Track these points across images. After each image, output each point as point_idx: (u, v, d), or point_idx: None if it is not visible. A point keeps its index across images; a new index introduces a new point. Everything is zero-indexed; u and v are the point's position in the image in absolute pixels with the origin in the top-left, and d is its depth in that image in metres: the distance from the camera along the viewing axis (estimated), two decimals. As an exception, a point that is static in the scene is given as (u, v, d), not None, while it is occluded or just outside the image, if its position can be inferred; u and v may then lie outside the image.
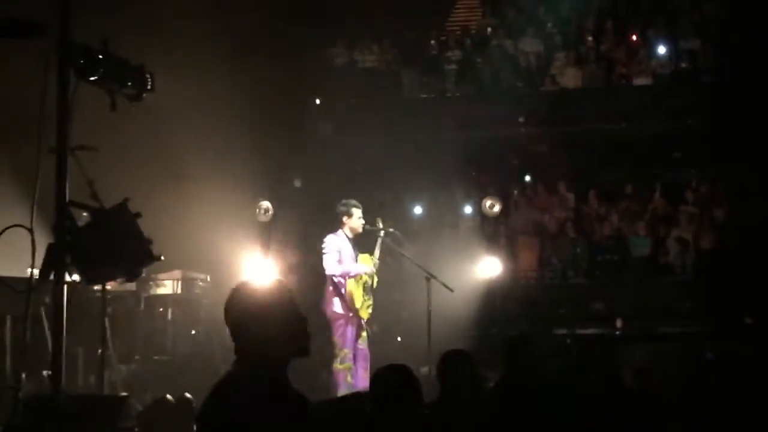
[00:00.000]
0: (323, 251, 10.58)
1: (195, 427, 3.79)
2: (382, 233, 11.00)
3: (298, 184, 14.83)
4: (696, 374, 10.68)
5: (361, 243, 10.95)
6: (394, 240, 11.11)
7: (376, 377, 5.35)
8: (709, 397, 8.19)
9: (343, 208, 10.76)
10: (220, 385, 3.80)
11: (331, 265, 10.47)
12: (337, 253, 10.56)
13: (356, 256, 10.70)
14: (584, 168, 18.94)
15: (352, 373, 10.48)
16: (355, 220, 10.70)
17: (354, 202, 10.79)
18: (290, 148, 16.95)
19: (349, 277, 10.53)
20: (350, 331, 10.48)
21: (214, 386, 3.83)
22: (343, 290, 10.51)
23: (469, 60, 20.14)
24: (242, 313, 3.82)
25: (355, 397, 5.91)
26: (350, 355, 10.47)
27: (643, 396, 8.36)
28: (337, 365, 10.35)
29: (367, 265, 10.73)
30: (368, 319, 10.79)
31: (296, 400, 3.84)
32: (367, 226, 10.85)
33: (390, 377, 5.29)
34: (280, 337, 3.81)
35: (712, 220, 17.60)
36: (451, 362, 6.39)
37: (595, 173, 19.14)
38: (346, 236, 10.70)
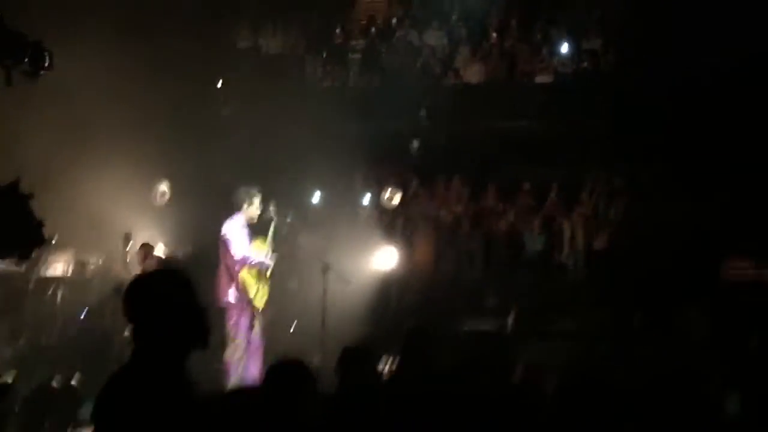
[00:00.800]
0: (226, 238, 10.47)
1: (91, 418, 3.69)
2: (275, 220, 10.94)
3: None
4: (584, 371, 10.73)
5: (254, 229, 10.87)
6: (291, 229, 11.04)
7: (270, 371, 5.26)
8: (594, 393, 8.24)
9: (243, 196, 10.66)
10: (116, 377, 3.72)
11: (241, 249, 10.38)
12: (239, 238, 10.49)
13: (250, 243, 10.63)
14: (483, 163, 18.99)
15: (243, 364, 10.39)
16: (254, 208, 10.63)
17: (254, 190, 10.70)
18: (190, 131, 16.70)
19: (249, 265, 10.44)
20: (243, 320, 10.40)
21: (110, 378, 3.74)
22: (236, 279, 10.41)
23: (373, 50, 20.11)
24: (141, 306, 3.74)
25: (248, 390, 5.83)
26: (243, 345, 10.39)
27: (529, 392, 8.43)
28: (229, 355, 10.24)
29: (261, 251, 10.65)
30: (263, 309, 10.70)
31: (192, 394, 3.78)
32: (263, 214, 10.78)
33: (284, 372, 5.22)
34: (180, 330, 3.74)
35: (606, 219, 17.80)
36: (352, 359, 6.38)
37: (493, 169, 19.20)
38: (243, 222, 10.61)
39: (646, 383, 8.88)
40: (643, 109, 17.10)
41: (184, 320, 3.75)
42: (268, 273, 10.78)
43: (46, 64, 6.90)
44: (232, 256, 10.47)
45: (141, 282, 3.82)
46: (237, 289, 10.41)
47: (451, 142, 18.93)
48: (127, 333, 11.72)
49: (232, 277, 10.38)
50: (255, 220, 10.72)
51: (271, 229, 10.91)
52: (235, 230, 10.49)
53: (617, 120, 17.60)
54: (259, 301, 10.59)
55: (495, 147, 18.74)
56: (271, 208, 11.01)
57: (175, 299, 3.76)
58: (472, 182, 19.00)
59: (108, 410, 3.64)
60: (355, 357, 6.44)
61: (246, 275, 10.44)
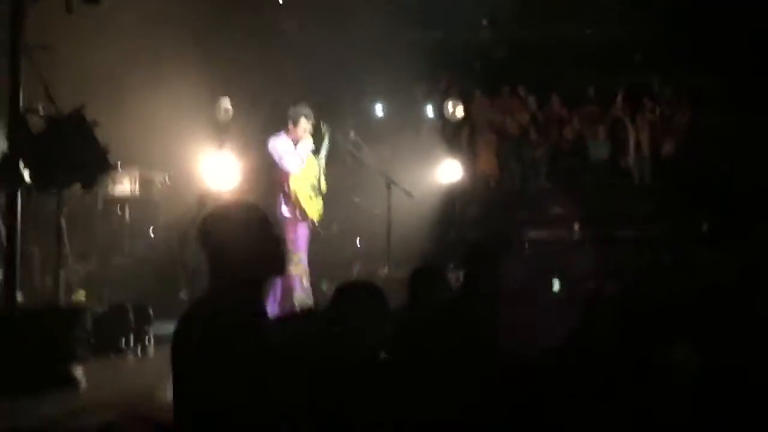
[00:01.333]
0: (273, 155, 10.55)
1: (171, 347, 3.76)
2: (327, 136, 10.95)
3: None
4: (650, 277, 10.71)
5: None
6: (355, 146, 11.04)
7: (340, 292, 5.28)
8: (664, 300, 8.22)
9: (290, 114, 10.73)
10: (195, 307, 3.79)
11: (291, 163, 10.47)
12: (278, 154, 10.57)
13: (303, 158, 10.68)
14: (546, 71, 18.81)
15: (307, 277, 10.47)
16: (300, 128, 10.66)
17: (301, 109, 10.72)
18: (252, 46, 16.66)
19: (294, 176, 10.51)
20: (302, 233, 10.44)
21: (189, 307, 3.82)
22: (287, 190, 10.48)
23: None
24: (217, 238, 3.79)
25: (318, 313, 5.88)
26: (305, 259, 10.45)
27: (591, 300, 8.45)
28: (292, 269, 10.30)
29: (311, 166, 10.72)
30: (320, 222, 10.76)
31: (269, 322, 3.85)
32: (317, 132, 10.83)
33: (355, 293, 5.25)
34: (256, 260, 3.80)
35: (673, 126, 17.62)
36: (423, 279, 6.41)
37: (557, 77, 19.01)
38: (291, 139, 10.66)
39: (705, 294, 8.85)
40: (712, 15, 16.75)
41: (261, 250, 3.80)
42: (322, 186, 10.81)
43: (106, -11, 6.89)
44: (279, 170, 10.55)
45: (217, 214, 3.86)
46: (289, 201, 10.46)
47: (514, 51, 18.73)
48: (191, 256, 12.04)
49: (284, 191, 10.44)
50: (303, 138, 10.72)
51: (324, 144, 10.90)
52: (278, 146, 10.57)
53: (683, 26, 17.29)
54: (314, 212, 10.64)
55: (558, 55, 18.53)
56: (323, 127, 10.99)
57: (251, 230, 3.80)
58: (536, 91, 18.85)
59: (188, 338, 3.70)
60: (427, 277, 6.46)
61: (297, 187, 10.49)
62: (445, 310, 6.28)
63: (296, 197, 10.40)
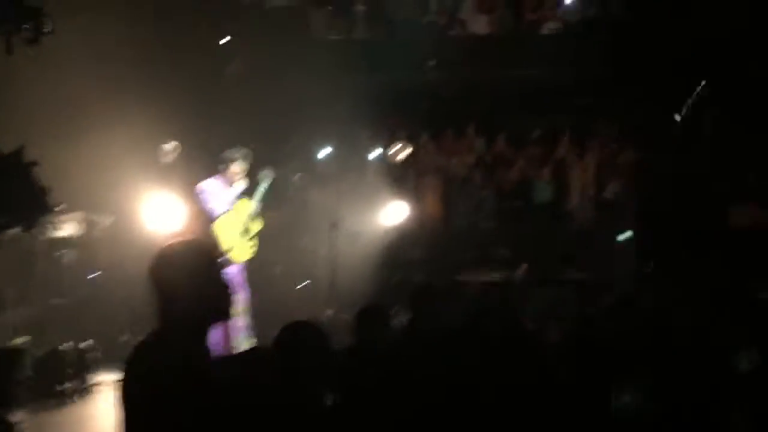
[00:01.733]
0: (201, 198, 10.58)
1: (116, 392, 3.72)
2: (264, 181, 10.97)
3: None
4: (593, 319, 10.80)
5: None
6: (299, 186, 11.04)
7: (284, 332, 5.29)
8: (605, 341, 8.29)
9: (224, 157, 10.79)
10: (140, 349, 3.75)
11: (215, 207, 10.48)
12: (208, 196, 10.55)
13: (233, 200, 10.70)
14: (493, 113, 18.95)
15: (248, 315, 10.44)
16: (231, 171, 10.74)
17: (236, 154, 10.79)
18: (196, 88, 16.64)
19: (216, 218, 10.51)
20: (232, 273, 10.42)
21: (136, 347, 3.78)
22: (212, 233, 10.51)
23: (378, 2, 19.95)
24: (168, 277, 3.75)
25: (260, 351, 5.87)
26: (246, 298, 10.43)
27: (537, 342, 8.50)
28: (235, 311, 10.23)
29: (243, 207, 10.73)
30: (248, 260, 10.75)
31: (213, 367, 3.82)
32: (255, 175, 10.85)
33: (297, 332, 5.26)
34: (205, 303, 3.77)
35: (617, 167, 17.78)
36: (368, 317, 6.45)
37: (503, 119, 19.15)
38: (221, 181, 10.69)
39: (653, 336, 8.92)
40: (654, 54, 16.98)
41: (210, 292, 3.77)
42: (252, 227, 10.81)
43: (47, 30, 6.84)
44: (205, 212, 10.58)
45: (168, 252, 3.82)
46: (215, 245, 10.45)
47: (460, 94, 18.82)
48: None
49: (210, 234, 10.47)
50: (235, 181, 10.74)
51: (260, 189, 10.91)
52: (206, 189, 10.60)
53: (626, 67, 17.50)
54: (238, 255, 10.63)
55: (504, 97, 18.67)
56: (265, 171, 11.00)
57: (202, 271, 3.78)
58: (483, 132, 18.96)
59: (132, 382, 3.66)
60: (372, 316, 6.51)
61: (220, 230, 10.51)
62: (388, 348, 6.30)
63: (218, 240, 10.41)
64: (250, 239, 10.63)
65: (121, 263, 13.77)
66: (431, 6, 19.81)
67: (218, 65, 18.19)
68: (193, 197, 11.17)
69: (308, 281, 14.51)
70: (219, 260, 3.92)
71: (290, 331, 5.31)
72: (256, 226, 10.82)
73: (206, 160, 16.15)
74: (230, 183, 10.66)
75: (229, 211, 10.49)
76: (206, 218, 10.67)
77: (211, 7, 18.01)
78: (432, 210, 18.14)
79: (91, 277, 13.49)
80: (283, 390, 4.95)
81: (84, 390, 8.89)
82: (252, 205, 10.79)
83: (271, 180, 10.99)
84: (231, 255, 10.42)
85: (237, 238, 10.51)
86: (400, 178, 17.85)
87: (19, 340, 10.27)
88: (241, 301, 10.36)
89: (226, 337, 10.08)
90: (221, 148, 15.65)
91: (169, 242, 3.87)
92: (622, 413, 6.27)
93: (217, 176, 10.65)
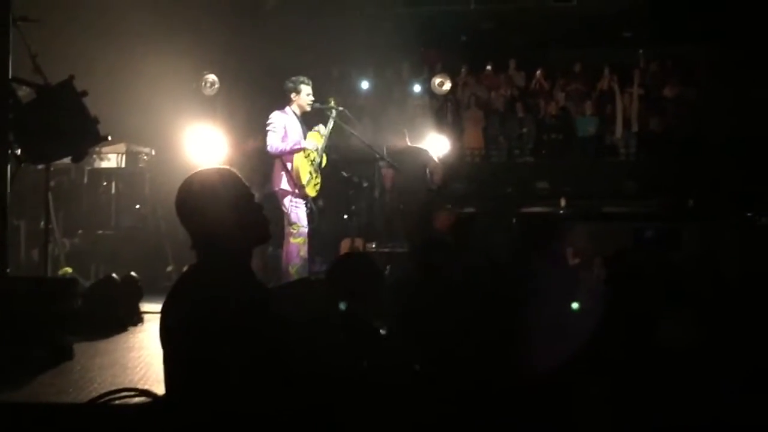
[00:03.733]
0: (267, 128, 10.37)
1: (160, 323, 3.71)
2: (333, 112, 10.78)
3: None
4: (634, 252, 10.80)
5: (311, 120, 10.75)
6: (343, 118, 10.90)
7: (337, 264, 5.29)
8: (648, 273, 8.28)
9: (291, 85, 10.49)
10: (182, 281, 3.72)
11: (273, 142, 10.27)
12: (283, 130, 10.35)
13: (305, 133, 10.53)
14: (533, 46, 18.81)
15: (306, 248, 10.41)
16: (303, 97, 10.45)
17: (303, 78, 10.52)
18: (235, 21, 16.58)
19: (295, 151, 10.36)
20: (301, 206, 10.37)
21: (178, 280, 3.75)
22: (289, 165, 10.36)
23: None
24: (196, 207, 3.71)
25: (312, 282, 5.88)
26: (304, 230, 10.38)
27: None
28: (292, 240, 10.24)
29: (314, 141, 10.56)
30: (314, 197, 10.68)
31: (261, 292, 3.80)
32: (317, 105, 10.64)
33: (351, 263, 5.27)
34: (238, 227, 3.72)
35: (659, 100, 17.64)
36: (435, 249, 6.51)
37: (543, 51, 19.01)
38: (294, 113, 10.49)
39: (697, 268, 8.90)
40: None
41: (241, 217, 3.73)
42: (323, 162, 10.69)
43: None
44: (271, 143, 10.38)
45: (191, 183, 3.77)
46: (289, 175, 10.33)
47: (500, 26, 18.69)
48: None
49: (285, 167, 10.32)
50: (307, 110, 10.57)
51: (330, 121, 10.74)
52: (276, 122, 10.37)
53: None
54: (312, 189, 10.52)
55: (544, 30, 18.50)
56: (332, 102, 10.83)
57: (229, 197, 3.73)
58: (522, 66, 18.84)
59: (177, 313, 3.64)
60: (440, 249, 6.56)
61: (299, 162, 10.35)
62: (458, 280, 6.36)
63: (298, 175, 10.29)
64: (319, 174, 10.54)
65: (164, 195, 13.84)
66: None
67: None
68: (255, 127, 10.98)
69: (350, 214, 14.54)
70: (243, 183, 3.87)
71: (343, 262, 5.33)
72: (325, 160, 10.72)
73: (245, 92, 16.19)
74: (301, 111, 10.50)
75: (304, 143, 10.35)
76: (259, 150, 10.56)
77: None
78: (472, 143, 18.11)
79: (135, 208, 13.58)
80: (334, 319, 4.97)
81: (135, 318, 8.96)
82: (322, 138, 10.66)
83: (338, 112, 10.84)
84: (306, 189, 10.36)
85: (310, 172, 10.42)
86: (440, 112, 17.80)
87: (67, 272, 10.39)
88: (302, 232, 10.33)
89: (286, 262, 10.08)
90: (261, 80, 15.69)
91: (192, 173, 3.81)
92: (666, 342, 6.28)
93: (286, 107, 10.47)
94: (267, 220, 3.88)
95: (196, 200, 3.72)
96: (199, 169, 3.83)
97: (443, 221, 11.68)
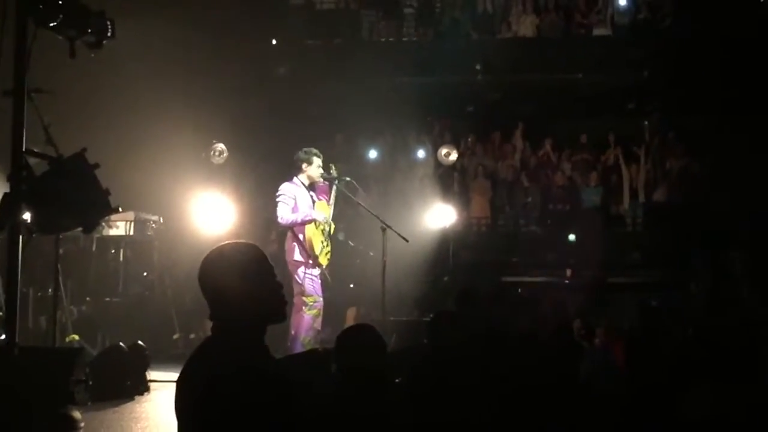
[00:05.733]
0: (277, 199, 10.46)
1: (174, 394, 3.75)
2: (337, 181, 10.89)
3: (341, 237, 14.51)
4: (640, 321, 10.82)
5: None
6: (349, 188, 11.00)
7: (344, 335, 5.34)
8: (650, 342, 8.33)
9: (303, 156, 10.61)
10: (198, 353, 3.77)
11: (284, 213, 10.36)
12: (292, 201, 10.44)
13: (313, 203, 10.62)
14: (539, 117, 18.96)
15: (320, 320, 10.43)
16: (314, 168, 10.57)
17: (315, 150, 10.65)
18: (245, 90, 16.78)
19: (306, 222, 10.43)
20: (315, 277, 10.41)
21: (193, 353, 3.80)
22: (301, 236, 10.43)
23: (428, 4, 20.01)
24: (219, 280, 3.76)
25: (320, 354, 5.92)
26: (319, 303, 10.41)
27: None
28: (306, 311, 10.25)
29: (322, 211, 10.65)
30: (326, 267, 10.73)
31: (276, 368, 3.84)
32: (324, 174, 10.75)
33: (357, 338, 5.31)
34: (257, 304, 3.77)
35: (664, 171, 17.74)
36: (444, 321, 6.59)
37: (550, 122, 19.16)
38: (303, 183, 10.59)
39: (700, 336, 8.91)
40: (700, 59, 16.92)
41: (262, 294, 3.78)
42: (331, 231, 10.77)
43: (109, 34, 6.94)
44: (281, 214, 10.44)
45: (217, 255, 3.84)
46: (302, 246, 10.40)
47: (507, 96, 18.86)
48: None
49: (297, 238, 10.39)
50: (316, 181, 10.66)
51: (334, 189, 10.84)
52: (286, 192, 10.46)
53: (674, 71, 17.47)
54: (324, 259, 10.57)
55: (551, 100, 18.68)
56: (332, 171, 10.93)
57: (252, 273, 3.78)
58: (529, 136, 18.98)
59: (191, 386, 3.69)
60: (447, 320, 6.65)
61: (311, 232, 10.43)
62: (464, 350, 6.41)
63: (311, 245, 10.36)
64: (329, 243, 10.61)
65: (171, 262, 13.94)
66: (479, 9, 19.82)
67: (267, 67, 18.31)
68: (260, 197, 11.07)
69: (356, 283, 14.60)
70: (267, 260, 3.93)
71: (350, 335, 5.37)
72: (333, 229, 10.80)
73: (253, 161, 16.33)
74: (311, 183, 10.60)
75: (314, 214, 10.42)
76: (270, 220, 10.68)
77: (261, 10, 18.14)
78: (479, 212, 18.18)
79: (143, 275, 13.66)
80: (341, 392, 5.01)
81: (142, 387, 9.00)
82: (329, 208, 10.75)
83: (344, 181, 10.94)
84: (319, 259, 10.43)
85: (322, 241, 10.48)
86: (447, 181, 17.89)
87: (75, 337, 10.45)
88: (317, 303, 10.36)
89: (296, 333, 10.08)
90: (269, 150, 15.82)
91: (218, 245, 3.87)
92: (685, 416, 6.32)
93: (295, 178, 10.57)
94: (285, 301, 3.94)
95: (219, 273, 3.78)
96: (210, 238, 3.91)
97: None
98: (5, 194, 6.33)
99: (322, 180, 10.73)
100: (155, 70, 13.56)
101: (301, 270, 10.33)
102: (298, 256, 10.37)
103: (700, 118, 17.35)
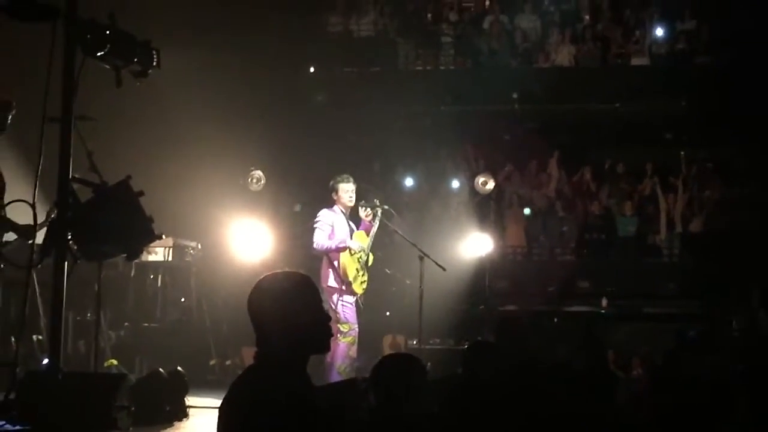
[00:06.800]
0: (315, 225, 10.54)
1: (217, 421, 3.79)
2: (378, 211, 10.91)
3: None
4: (677, 352, 10.75)
5: (359, 217, 10.90)
6: (387, 216, 11.04)
7: (382, 364, 5.34)
8: (689, 377, 8.29)
9: (332, 184, 10.71)
10: (240, 379, 3.82)
11: (319, 240, 10.42)
12: (329, 227, 10.50)
13: (351, 232, 10.67)
14: (576, 146, 18.96)
15: (355, 348, 10.44)
16: (342, 195, 10.63)
17: (343, 177, 10.71)
18: (283, 118, 16.90)
19: (341, 250, 10.49)
20: (349, 305, 10.44)
21: (236, 379, 3.85)
22: (336, 263, 10.48)
23: (465, 33, 20.09)
24: (266, 308, 3.81)
25: (359, 383, 5.95)
26: (354, 330, 10.44)
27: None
28: (341, 339, 10.27)
29: (358, 242, 10.69)
30: (361, 295, 10.75)
31: (316, 399, 3.87)
32: (363, 203, 10.80)
33: (397, 364, 5.32)
34: (302, 334, 3.81)
35: (701, 201, 17.68)
36: (480, 351, 6.63)
37: (586, 152, 19.16)
38: (341, 211, 10.66)
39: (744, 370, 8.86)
40: (738, 89, 16.89)
41: (308, 325, 3.82)
42: (369, 261, 10.81)
43: (155, 63, 7.05)
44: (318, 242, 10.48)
45: (266, 283, 3.89)
46: (336, 273, 10.44)
47: (544, 126, 18.87)
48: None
49: (332, 265, 10.44)
50: (349, 206, 10.71)
51: (376, 222, 10.85)
52: (324, 219, 10.52)
53: (712, 101, 17.43)
54: (359, 287, 10.60)
55: (588, 129, 18.69)
56: (376, 201, 10.96)
57: (300, 303, 3.83)
58: (565, 165, 18.97)
59: (233, 414, 3.74)
60: (483, 350, 6.68)
61: (345, 260, 10.47)
62: (499, 380, 6.43)
63: (345, 272, 10.41)
64: (365, 273, 10.64)
65: (209, 288, 14.02)
66: (517, 38, 19.88)
67: (305, 95, 18.42)
68: (297, 223, 11.14)
69: (392, 310, 14.62)
70: (318, 291, 3.98)
71: (389, 362, 5.38)
72: (372, 259, 10.83)
73: (291, 187, 16.42)
74: (346, 209, 10.65)
75: (349, 242, 10.47)
76: (307, 247, 10.74)
77: (299, 38, 18.27)
78: (514, 241, 18.17)
79: (180, 301, 13.75)
80: (380, 420, 5.03)
81: (180, 414, 9.04)
82: (369, 238, 10.78)
83: (383, 211, 10.96)
84: (353, 287, 10.46)
85: (357, 269, 10.52)
86: (483, 209, 17.90)
87: (113, 362, 10.53)
88: (352, 331, 10.39)
89: (331, 361, 10.09)
90: (307, 176, 15.91)
91: (267, 274, 3.92)
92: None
93: (334, 205, 10.63)
94: (331, 333, 3.98)
95: (267, 302, 3.82)
96: (247, 264, 3.96)
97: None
98: (51, 220, 6.44)
99: (360, 207, 10.78)
100: (194, 97, 13.70)
101: (335, 296, 10.37)
102: (332, 282, 10.43)
103: (735, 149, 17.33)
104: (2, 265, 8.15)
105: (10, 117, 8.24)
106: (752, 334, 13.37)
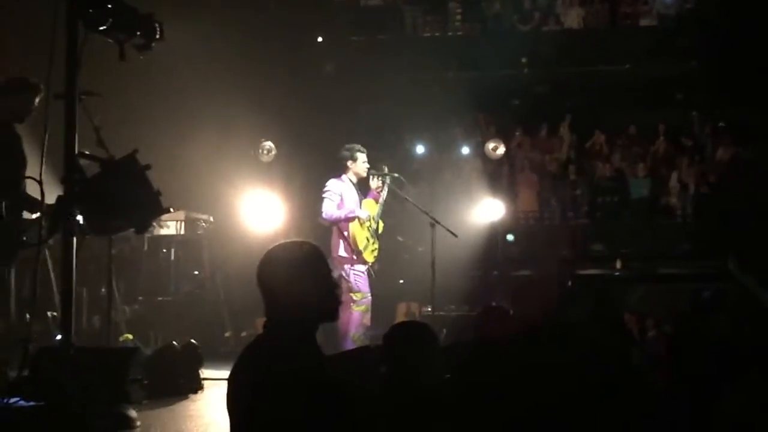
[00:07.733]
0: (324, 195, 10.49)
1: (226, 390, 3.80)
2: (388, 179, 10.88)
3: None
4: (693, 312, 10.70)
5: (366, 186, 10.87)
6: (398, 184, 11.00)
7: (394, 332, 5.32)
8: (700, 333, 8.24)
9: (346, 153, 10.61)
10: (250, 348, 3.82)
11: (328, 209, 10.38)
12: (338, 197, 10.46)
13: (360, 201, 10.63)
14: (587, 109, 18.88)
15: (369, 316, 10.43)
16: (359, 164, 10.57)
17: (358, 146, 10.65)
18: (292, 88, 16.84)
19: (350, 219, 10.46)
20: (362, 274, 10.43)
21: (245, 348, 3.85)
22: (346, 233, 10.45)
23: (473, -2, 20.01)
24: (276, 277, 3.81)
25: (371, 351, 5.94)
26: (367, 299, 10.42)
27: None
28: (354, 308, 10.27)
29: (368, 209, 10.65)
30: (372, 263, 10.73)
31: (325, 368, 3.88)
32: (373, 171, 10.75)
33: (408, 331, 5.32)
34: (312, 303, 3.82)
35: (713, 162, 17.61)
36: (491, 316, 6.60)
37: (597, 114, 19.08)
38: (350, 180, 10.61)
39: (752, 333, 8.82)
40: (748, 49, 16.75)
41: (317, 293, 3.82)
42: (379, 229, 10.78)
43: (158, 36, 7.01)
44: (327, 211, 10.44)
45: (275, 253, 3.89)
46: (346, 242, 10.42)
47: (554, 89, 18.80)
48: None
49: (342, 234, 10.42)
50: (363, 177, 10.66)
51: (385, 188, 10.82)
52: (333, 189, 10.46)
53: (722, 61, 17.31)
54: (369, 255, 10.58)
55: (598, 92, 18.59)
56: (386, 169, 10.91)
57: (309, 272, 3.83)
58: (576, 128, 18.90)
59: (242, 381, 3.75)
60: (494, 315, 6.66)
61: (355, 229, 10.44)
62: (511, 344, 6.40)
63: (355, 241, 10.38)
64: (376, 241, 10.61)
65: (222, 261, 14.03)
66: (525, 1, 19.76)
67: (313, 65, 18.35)
68: (310, 194, 11.10)
69: (402, 280, 14.63)
70: (326, 261, 3.97)
71: (400, 331, 5.37)
72: (381, 227, 10.80)
73: (302, 158, 16.39)
74: (358, 178, 10.61)
75: (358, 212, 10.43)
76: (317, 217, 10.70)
77: (307, 7, 18.19)
78: (526, 206, 18.14)
79: (194, 274, 13.74)
80: (392, 388, 5.02)
81: (195, 386, 9.07)
82: (378, 206, 10.74)
83: (393, 178, 10.92)
84: (364, 255, 10.44)
85: (367, 238, 10.50)
86: (495, 175, 17.87)
87: (129, 336, 10.55)
88: (365, 300, 10.37)
89: (345, 330, 10.08)
90: (317, 147, 15.87)
91: (276, 243, 3.92)
92: (725, 413, 6.24)
93: (342, 174, 10.59)
94: (340, 301, 3.98)
95: (275, 271, 3.84)
96: (260, 236, 3.97)
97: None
98: (59, 197, 6.43)
99: (371, 176, 10.73)
100: (202, 69, 13.65)
101: (347, 266, 10.35)
102: (342, 252, 10.39)
103: (747, 109, 17.21)
104: (25, 238, 8.14)
105: (37, 100, 8.24)
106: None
